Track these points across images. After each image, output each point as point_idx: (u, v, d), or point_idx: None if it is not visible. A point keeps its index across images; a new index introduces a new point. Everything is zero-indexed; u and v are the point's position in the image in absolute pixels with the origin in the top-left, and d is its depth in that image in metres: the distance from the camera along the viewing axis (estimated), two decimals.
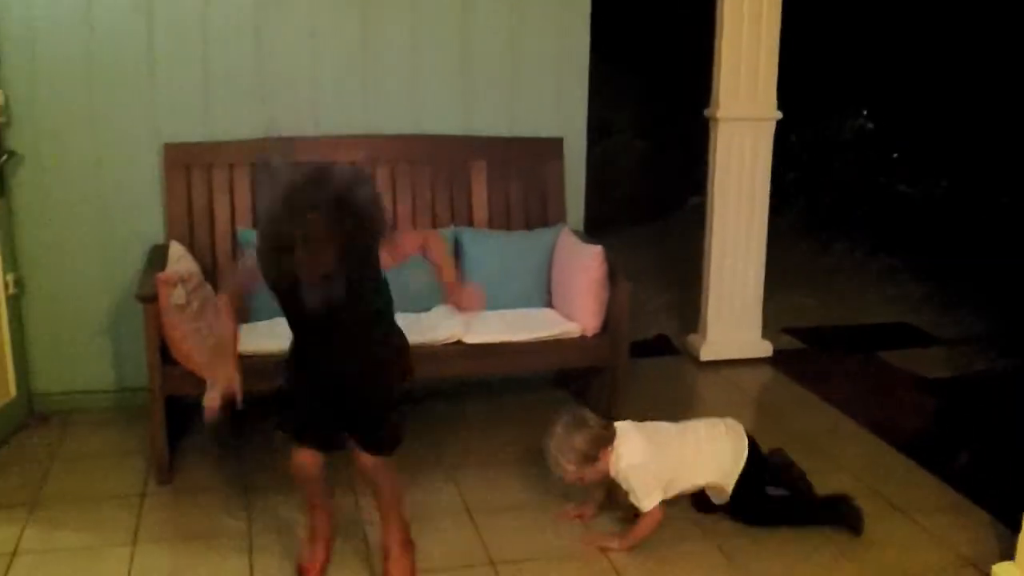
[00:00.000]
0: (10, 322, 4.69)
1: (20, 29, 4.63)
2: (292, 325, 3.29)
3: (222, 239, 4.87)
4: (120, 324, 4.94)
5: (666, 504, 3.79)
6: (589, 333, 4.65)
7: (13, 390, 4.75)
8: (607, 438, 3.73)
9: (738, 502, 3.92)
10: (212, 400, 3.27)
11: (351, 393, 3.29)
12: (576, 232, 5.10)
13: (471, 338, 4.53)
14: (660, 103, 9.16)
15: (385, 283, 3.29)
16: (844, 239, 8.77)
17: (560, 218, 5.23)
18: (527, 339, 4.60)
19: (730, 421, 4.03)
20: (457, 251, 4.95)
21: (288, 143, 3.38)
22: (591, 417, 3.80)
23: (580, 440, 3.68)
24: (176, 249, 4.59)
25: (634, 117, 9.17)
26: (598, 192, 5.72)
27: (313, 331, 3.21)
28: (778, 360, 5.87)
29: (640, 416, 3.98)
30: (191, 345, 4.15)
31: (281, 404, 3.42)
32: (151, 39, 4.79)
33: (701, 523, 3.97)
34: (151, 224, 4.91)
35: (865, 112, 9.82)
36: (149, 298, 4.10)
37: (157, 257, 4.58)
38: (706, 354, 5.81)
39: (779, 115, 5.62)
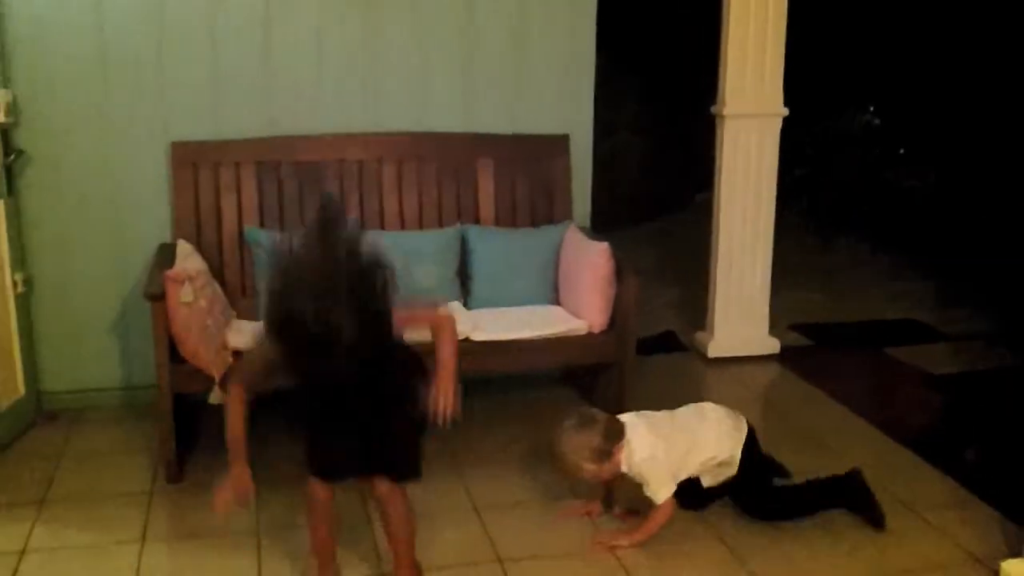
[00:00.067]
0: (19, 320, 4.70)
1: (28, 28, 4.64)
2: (312, 394, 3.20)
3: (229, 237, 4.88)
4: (128, 322, 4.95)
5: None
6: (596, 330, 4.66)
7: (22, 388, 4.76)
8: (618, 431, 3.73)
9: (743, 492, 3.94)
10: (224, 500, 3.24)
11: (381, 435, 3.23)
12: (582, 229, 5.10)
13: (478, 335, 4.53)
14: (664, 101, 9.16)
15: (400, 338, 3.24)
16: (850, 235, 8.77)
17: (566, 215, 5.23)
18: (534, 336, 4.60)
19: (710, 403, 4.04)
20: (464, 248, 4.96)
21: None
22: (597, 413, 3.80)
23: (593, 437, 3.67)
24: (183, 247, 4.59)
25: (638, 115, 9.16)
26: (603, 190, 5.72)
27: (339, 395, 3.13)
28: (785, 357, 5.87)
29: None
30: (199, 343, 4.16)
31: (305, 444, 3.35)
32: (159, 38, 4.80)
33: (706, 520, 3.97)
34: (158, 222, 4.92)
35: (872, 108, 9.80)
36: (157, 296, 4.10)
37: (165, 255, 4.59)
38: (713, 351, 5.82)
39: (785, 111, 5.62)
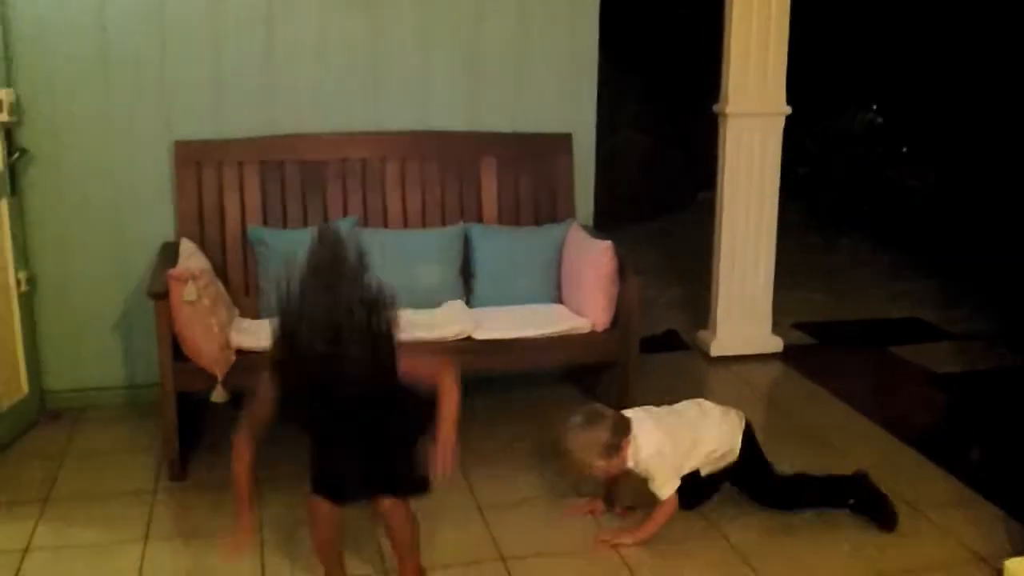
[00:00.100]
0: (22, 319, 4.71)
1: (32, 27, 4.64)
2: (317, 421, 3.20)
3: (232, 236, 4.88)
4: (131, 321, 4.95)
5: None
6: (599, 328, 4.66)
7: (25, 387, 4.76)
8: (625, 427, 3.73)
9: (745, 476, 3.96)
10: (231, 547, 3.28)
11: (385, 458, 3.22)
12: (585, 227, 5.10)
13: (481, 334, 4.54)
14: (666, 100, 9.16)
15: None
16: (853, 234, 8.78)
17: (569, 214, 5.23)
18: (537, 335, 4.61)
19: (703, 400, 4.05)
20: (466, 247, 4.96)
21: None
22: (604, 408, 3.81)
23: (602, 433, 3.67)
24: (187, 246, 4.60)
25: (641, 114, 9.16)
26: (605, 188, 5.71)
27: (346, 417, 3.12)
28: (788, 355, 5.87)
29: None
30: (202, 341, 4.16)
31: (311, 465, 3.33)
32: (162, 37, 4.80)
33: (708, 517, 3.97)
34: (162, 221, 4.93)
35: (874, 107, 9.80)
36: (160, 295, 4.11)
37: (168, 254, 4.59)
38: (716, 350, 5.81)
39: (788, 110, 5.62)
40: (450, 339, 4.49)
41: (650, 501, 3.80)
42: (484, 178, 5.17)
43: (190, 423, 4.53)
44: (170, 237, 4.90)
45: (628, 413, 3.81)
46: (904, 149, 9.51)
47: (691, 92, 7.43)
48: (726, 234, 5.69)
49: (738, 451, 3.89)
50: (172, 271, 4.14)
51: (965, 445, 4.69)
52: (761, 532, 3.89)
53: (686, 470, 3.81)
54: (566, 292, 4.92)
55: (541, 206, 5.24)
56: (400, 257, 4.83)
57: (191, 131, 4.87)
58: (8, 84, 4.56)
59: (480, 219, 5.14)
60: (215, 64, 4.89)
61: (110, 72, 4.78)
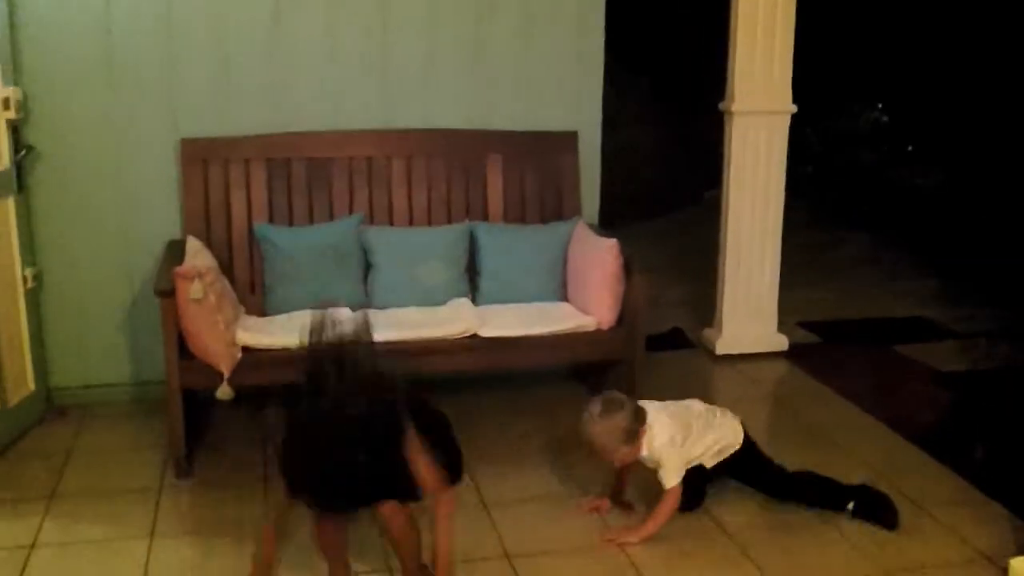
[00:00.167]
0: (28, 316, 4.72)
1: (38, 25, 4.65)
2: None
3: (239, 234, 4.89)
4: (138, 318, 4.96)
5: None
6: (605, 326, 4.66)
7: (31, 384, 4.77)
8: (643, 414, 3.77)
9: (747, 466, 3.98)
10: None
11: (383, 464, 3.20)
12: (591, 225, 5.10)
13: (486, 332, 4.54)
14: (672, 97, 9.16)
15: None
16: (858, 232, 8.77)
17: (575, 211, 5.23)
18: (542, 333, 4.61)
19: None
20: (472, 245, 4.97)
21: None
22: (621, 395, 3.82)
23: (623, 419, 3.71)
24: (193, 244, 4.61)
25: (647, 112, 9.15)
26: (611, 186, 5.71)
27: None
28: (793, 354, 5.87)
29: None
30: (208, 339, 4.17)
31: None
32: (168, 35, 4.81)
33: (712, 515, 3.97)
34: (168, 219, 4.93)
35: (880, 106, 9.80)
36: (167, 292, 4.11)
37: (174, 252, 4.60)
38: (722, 348, 5.81)
39: (794, 108, 5.62)
40: (455, 337, 4.50)
41: (652, 498, 3.83)
42: (490, 176, 5.17)
43: (196, 420, 4.55)
44: (176, 235, 4.91)
45: (641, 403, 3.84)
46: (910, 148, 9.51)
47: (697, 90, 7.42)
48: (732, 232, 5.69)
49: (740, 442, 3.94)
50: (178, 269, 4.14)
51: (970, 444, 4.68)
52: (765, 530, 3.89)
53: (692, 462, 3.84)
54: (572, 290, 4.92)
55: (547, 204, 5.24)
56: (406, 255, 4.84)
57: (197, 129, 4.88)
58: (15, 82, 4.57)
59: (486, 217, 5.15)
60: (221, 62, 4.89)
61: (116, 70, 4.79)
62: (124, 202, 4.90)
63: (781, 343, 5.90)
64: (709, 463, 3.91)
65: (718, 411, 3.99)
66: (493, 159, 5.17)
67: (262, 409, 4.86)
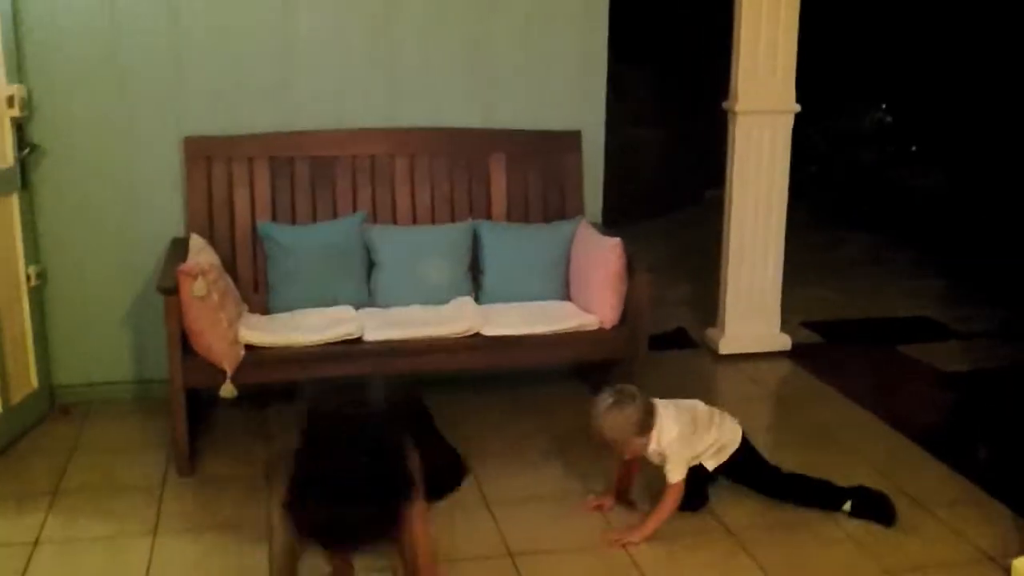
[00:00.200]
0: (32, 314, 4.72)
1: (43, 23, 4.65)
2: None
3: (242, 232, 4.89)
4: (141, 316, 4.97)
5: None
6: (607, 325, 4.66)
7: (35, 382, 4.78)
8: (653, 407, 3.79)
9: (744, 467, 3.98)
10: None
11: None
12: (594, 224, 5.10)
13: (489, 330, 4.54)
14: (675, 97, 9.15)
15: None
16: (862, 232, 8.77)
17: (578, 211, 5.23)
18: (545, 332, 4.60)
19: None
20: (475, 243, 4.97)
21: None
22: (632, 388, 3.84)
23: (636, 410, 3.73)
24: (196, 241, 4.61)
25: (649, 111, 9.14)
26: (613, 185, 5.71)
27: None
28: (797, 354, 5.86)
29: None
30: (212, 337, 4.17)
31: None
32: (173, 33, 4.81)
33: (715, 514, 3.98)
34: (171, 217, 4.94)
35: (884, 106, 9.79)
36: (170, 290, 4.12)
37: (177, 249, 4.60)
38: (725, 347, 5.81)
39: (797, 108, 5.61)
40: (458, 335, 4.50)
41: (655, 496, 3.84)
42: (493, 175, 5.17)
43: (199, 418, 4.55)
44: (180, 232, 4.91)
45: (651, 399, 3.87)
46: (914, 148, 9.51)
47: (700, 89, 7.42)
48: (735, 232, 5.69)
49: (738, 442, 3.94)
50: (182, 266, 4.15)
51: (973, 444, 4.69)
52: (767, 529, 3.89)
53: (695, 460, 3.85)
54: (575, 289, 4.93)
55: (550, 203, 5.24)
56: (409, 253, 4.85)
57: (201, 127, 4.88)
58: (19, 80, 4.57)
59: (489, 216, 5.15)
60: (225, 60, 4.89)
61: (121, 68, 4.79)
62: (128, 200, 4.90)
63: (784, 343, 5.89)
64: (710, 463, 3.91)
65: (717, 413, 3.99)
66: (496, 158, 5.17)
67: (264, 408, 4.88)
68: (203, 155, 4.85)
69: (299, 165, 4.95)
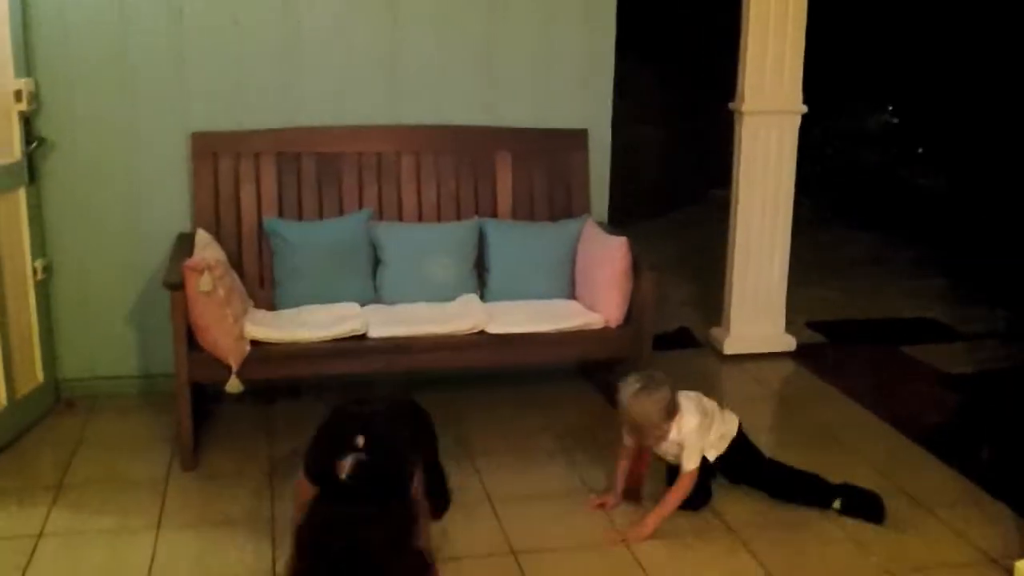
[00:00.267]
0: (38, 308, 4.73)
1: (51, 17, 4.66)
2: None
3: (248, 227, 4.90)
4: (147, 311, 4.97)
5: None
6: (612, 324, 4.66)
7: (40, 376, 4.79)
8: (676, 395, 3.84)
9: (737, 462, 4.00)
10: None
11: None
12: (600, 223, 5.10)
13: (494, 328, 4.54)
14: (681, 97, 9.14)
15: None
16: (867, 233, 8.76)
17: (584, 209, 5.24)
18: (550, 330, 4.61)
19: None
20: (481, 242, 4.97)
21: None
22: (657, 373, 3.87)
23: (663, 397, 3.76)
24: (202, 237, 4.62)
25: (655, 110, 9.14)
26: (618, 184, 5.71)
27: None
28: (801, 354, 5.86)
29: None
30: (217, 332, 4.18)
31: None
32: (180, 28, 4.82)
33: (717, 513, 3.99)
34: (178, 212, 4.95)
35: (890, 107, 9.79)
36: (176, 285, 4.13)
37: (184, 244, 4.61)
38: (729, 348, 5.81)
39: (804, 109, 5.61)
40: (463, 333, 4.51)
41: (656, 492, 3.85)
42: (499, 173, 5.18)
43: (203, 413, 4.56)
44: (186, 228, 4.92)
45: None
46: (919, 150, 9.51)
47: (703, 88, 7.42)
48: (741, 232, 5.69)
49: (736, 431, 3.97)
50: (188, 261, 4.16)
51: (976, 445, 4.69)
52: (769, 528, 3.89)
53: (703, 449, 3.89)
54: (580, 288, 4.93)
55: (556, 201, 5.25)
56: (414, 251, 4.85)
57: (208, 122, 4.89)
58: (27, 73, 4.58)
59: (495, 214, 5.15)
60: (233, 56, 4.90)
61: (129, 62, 4.80)
62: (134, 195, 4.91)
63: (789, 343, 5.89)
64: (711, 453, 3.93)
65: (716, 404, 4.03)
66: (503, 156, 5.18)
67: (270, 404, 4.89)
68: (210, 150, 4.86)
69: (306, 161, 4.95)
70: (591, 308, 4.73)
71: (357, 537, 2.89)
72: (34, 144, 4.65)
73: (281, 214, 4.91)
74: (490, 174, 5.17)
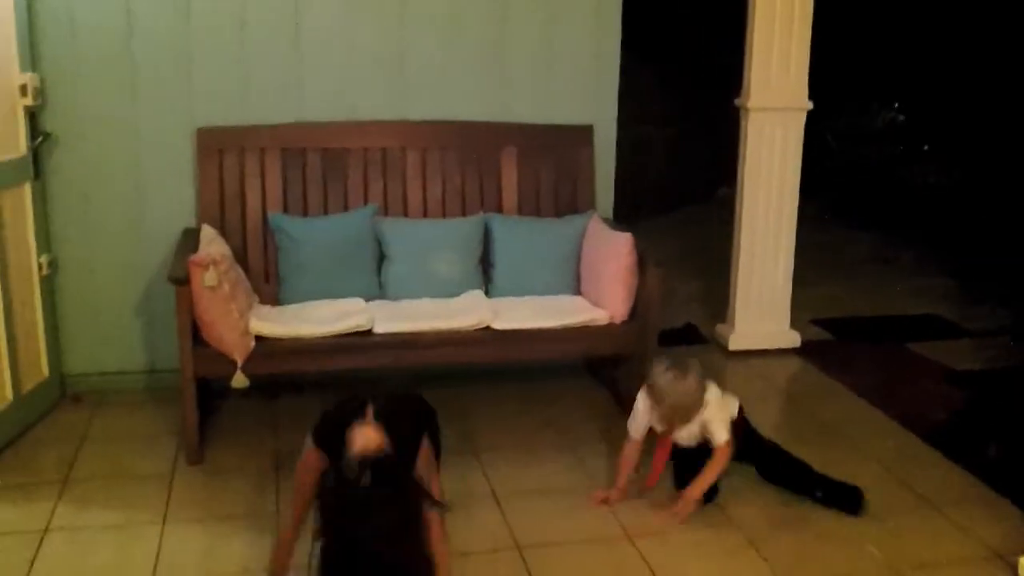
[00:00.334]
0: (43, 303, 4.74)
1: (56, 12, 4.67)
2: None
3: (253, 223, 4.90)
4: (152, 306, 4.98)
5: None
6: (618, 320, 4.66)
7: (46, 370, 4.80)
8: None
9: (734, 439, 3.99)
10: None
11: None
12: (605, 219, 5.10)
13: (499, 324, 4.54)
14: (687, 93, 9.14)
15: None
16: (872, 230, 8.75)
17: (590, 205, 5.23)
18: (555, 325, 4.61)
19: None
20: (486, 237, 4.97)
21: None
22: (690, 359, 3.91)
23: (695, 378, 3.81)
24: (207, 232, 4.62)
25: (661, 107, 9.13)
26: (625, 180, 5.71)
27: None
28: (806, 351, 5.86)
29: None
30: (222, 327, 4.18)
31: None
32: (186, 23, 4.82)
33: (722, 508, 3.99)
34: (183, 207, 4.95)
35: (897, 105, 9.78)
36: (181, 280, 4.13)
37: (189, 240, 4.61)
38: (735, 344, 5.81)
39: (810, 105, 5.60)
40: (468, 329, 4.51)
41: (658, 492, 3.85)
42: (505, 168, 5.18)
43: (209, 408, 4.56)
44: (191, 223, 4.92)
45: None
46: (926, 147, 9.50)
47: (712, 85, 7.41)
48: (746, 228, 5.69)
49: (737, 411, 4.01)
50: (193, 257, 4.16)
51: (983, 442, 4.68)
52: (774, 525, 3.90)
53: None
54: (585, 284, 4.93)
55: (561, 197, 5.24)
56: (419, 246, 4.85)
57: (214, 118, 4.89)
58: (33, 68, 4.58)
59: (500, 209, 5.15)
60: (239, 52, 4.90)
61: (135, 58, 4.80)
62: (140, 190, 4.91)
63: (794, 340, 5.89)
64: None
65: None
66: (508, 152, 5.17)
67: (274, 399, 4.89)
68: (215, 146, 4.86)
69: (311, 157, 4.95)
70: (596, 304, 4.73)
71: (375, 521, 2.88)
72: (39, 139, 4.65)
73: (286, 210, 4.91)
74: (495, 170, 5.16)
